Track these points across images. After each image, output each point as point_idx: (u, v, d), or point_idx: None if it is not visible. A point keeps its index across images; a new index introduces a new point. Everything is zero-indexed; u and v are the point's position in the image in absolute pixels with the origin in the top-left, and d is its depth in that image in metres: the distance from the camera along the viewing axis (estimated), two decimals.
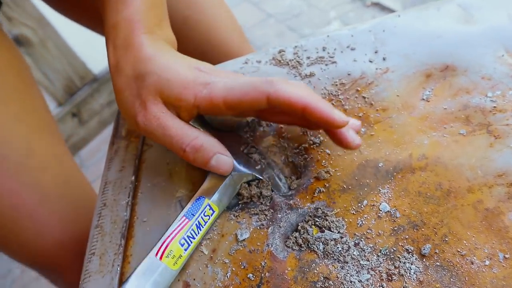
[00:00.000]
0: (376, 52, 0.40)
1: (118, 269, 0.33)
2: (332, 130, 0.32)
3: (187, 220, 0.31)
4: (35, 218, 0.49)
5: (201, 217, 0.31)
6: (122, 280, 0.33)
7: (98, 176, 1.59)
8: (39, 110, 0.53)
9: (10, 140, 0.47)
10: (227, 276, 0.30)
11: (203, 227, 0.31)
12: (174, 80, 0.31)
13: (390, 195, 0.31)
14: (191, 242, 0.31)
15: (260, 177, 0.34)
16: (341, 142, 0.32)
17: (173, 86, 0.31)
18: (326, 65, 0.41)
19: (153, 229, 0.35)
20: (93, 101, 1.56)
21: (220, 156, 0.32)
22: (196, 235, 0.31)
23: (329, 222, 0.31)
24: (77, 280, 0.56)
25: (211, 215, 0.32)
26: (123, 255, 0.34)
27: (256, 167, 0.35)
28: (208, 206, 0.32)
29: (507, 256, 0.26)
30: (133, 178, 0.39)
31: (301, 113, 0.29)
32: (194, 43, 0.60)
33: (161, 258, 0.29)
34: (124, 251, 0.34)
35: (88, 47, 1.47)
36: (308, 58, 0.42)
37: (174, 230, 0.30)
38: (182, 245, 0.30)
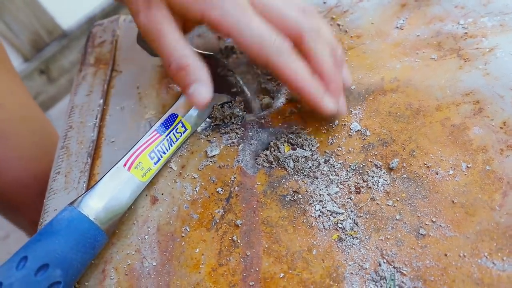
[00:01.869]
0: None
1: (84, 185, 0.32)
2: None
3: (158, 134, 0.30)
4: None
5: (173, 133, 0.31)
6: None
7: None
8: None
9: None
10: (195, 190, 0.30)
11: (174, 143, 0.31)
12: None
13: (361, 116, 0.31)
14: (161, 157, 0.30)
15: (233, 99, 0.34)
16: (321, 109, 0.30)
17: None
18: None
19: (121, 149, 0.34)
20: (63, 58, 1.50)
21: (199, 87, 0.29)
22: (167, 150, 0.30)
23: (302, 140, 0.31)
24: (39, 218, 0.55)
25: (183, 132, 0.31)
26: (89, 173, 0.33)
27: (232, 90, 0.34)
28: (181, 123, 0.31)
29: (469, 165, 0.27)
30: (101, 101, 0.37)
31: (293, 91, 0.30)
32: None
33: (129, 169, 0.29)
34: (90, 170, 0.33)
35: (57, 0, 1.40)
36: None
37: (145, 143, 0.30)
38: (152, 159, 0.29)
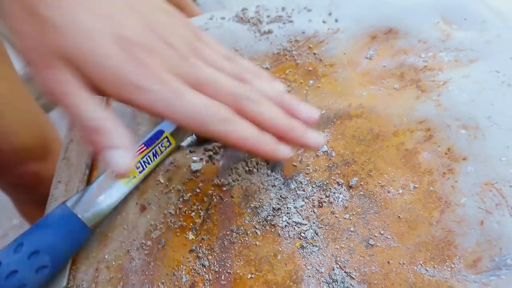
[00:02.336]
0: (330, 14, 0.44)
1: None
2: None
3: (145, 147, 0.34)
4: None
5: (159, 147, 0.35)
6: None
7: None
8: None
9: None
10: (179, 201, 0.34)
11: (158, 156, 0.35)
12: (95, 59, 0.23)
13: (328, 138, 0.35)
14: (146, 167, 0.34)
15: None
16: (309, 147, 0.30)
17: (96, 69, 0.23)
18: (284, 23, 0.44)
19: None
20: None
21: (116, 153, 0.24)
22: (152, 161, 0.35)
23: (273, 162, 0.35)
24: (20, 182, 0.64)
25: (168, 146, 0.35)
26: (86, 183, 0.37)
27: None
28: (166, 139, 0.35)
29: (416, 186, 0.31)
30: None
31: (249, 153, 0.30)
32: None
33: (116, 176, 0.33)
34: (87, 180, 0.37)
35: None
36: (268, 16, 0.45)
37: None
38: (138, 168, 0.34)
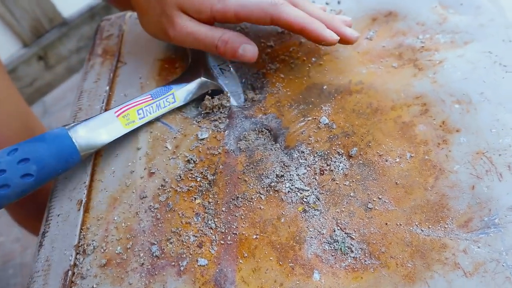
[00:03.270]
0: None
1: (91, 159, 0.37)
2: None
3: (151, 98, 0.37)
4: None
5: (163, 100, 0.37)
6: (95, 169, 0.37)
7: (62, 124, 1.58)
8: None
9: None
10: (186, 167, 0.35)
11: (161, 109, 0.37)
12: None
13: (329, 111, 0.37)
14: (146, 115, 0.37)
15: (225, 89, 0.39)
16: (344, 41, 0.37)
17: (191, 1, 0.36)
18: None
19: None
20: (61, 46, 1.53)
21: (246, 46, 0.36)
22: (154, 112, 0.37)
23: (277, 130, 0.36)
24: None
25: (172, 103, 0.38)
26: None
27: (225, 82, 0.40)
28: (172, 95, 0.38)
29: (412, 155, 0.33)
30: (107, 88, 0.43)
31: (298, 32, 0.35)
32: None
33: (118, 116, 0.35)
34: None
35: None
36: None
37: (137, 101, 0.37)
38: (139, 114, 0.36)
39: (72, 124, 0.34)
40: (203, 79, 0.39)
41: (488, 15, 0.40)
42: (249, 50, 0.37)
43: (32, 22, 1.42)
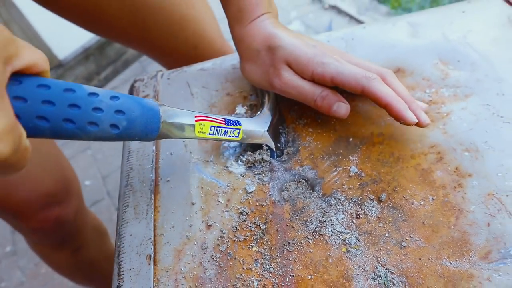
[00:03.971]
0: None
1: (152, 216, 0.42)
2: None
3: (224, 122, 0.41)
4: (7, 181, 0.56)
5: (231, 130, 0.42)
6: (155, 225, 0.42)
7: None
8: None
9: None
10: (240, 218, 0.41)
11: (226, 136, 0.41)
12: (299, 56, 0.42)
13: (357, 161, 0.43)
14: (214, 134, 0.41)
15: (273, 151, 0.45)
16: (418, 125, 0.40)
17: (298, 60, 0.42)
18: None
19: (175, 186, 0.44)
20: None
21: (340, 103, 0.43)
22: (220, 135, 0.41)
23: (313, 181, 0.42)
24: (40, 226, 0.65)
25: (235, 136, 0.42)
26: (153, 206, 0.43)
27: (278, 144, 0.46)
28: (238, 130, 0.42)
29: (434, 198, 0.39)
30: (153, 148, 0.48)
31: (384, 106, 0.40)
32: (188, 37, 0.69)
33: (196, 121, 0.39)
34: (154, 203, 0.43)
35: (54, 32, 1.48)
36: None
37: (215, 118, 0.40)
38: (211, 130, 0.40)
39: (163, 106, 0.36)
40: (265, 133, 0.44)
41: (483, 71, 0.47)
42: (342, 107, 0.43)
43: None
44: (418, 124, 0.40)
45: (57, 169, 0.64)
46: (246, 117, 0.46)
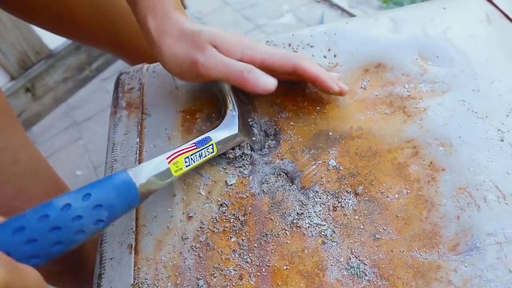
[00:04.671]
0: (329, 50, 0.53)
1: (134, 211, 0.43)
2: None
3: (195, 147, 0.41)
4: (10, 210, 0.55)
5: (205, 150, 0.42)
6: (138, 216, 0.42)
7: (51, 153, 1.59)
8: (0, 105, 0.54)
9: None
10: (220, 210, 0.42)
11: (202, 158, 0.42)
12: (225, 37, 0.42)
13: (336, 155, 0.44)
14: (191, 164, 0.41)
15: (253, 146, 0.45)
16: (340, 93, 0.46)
17: (224, 41, 0.42)
18: None
19: None
20: (48, 77, 1.56)
21: (268, 76, 0.42)
22: (196, 161, 0.41)
23: (293, 173, 0.43)
24: None
25: (211, 153, 0.43)
26: None
27: (253, 138, 0.46)
28: (211, 146, 0.43)
29: (408, 191, 0.40)
30: (137, 140, 0.48)
31: (312, 80, 0.44)
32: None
33: (169, 162, 0.39)
34: None
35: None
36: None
37: (185, 149, 0.41)
38: (186, 162, 0.40)
39: (133, 170, 0.36)
40: (238, 134, 0.44)
41: (460, 67, 0.48)
42: (269, 79, 0.42)
43: (19, 56, 1.44)
44: (340, 93, 0.45)
45: (56, 191, 0.61)
46: (217, 125, 0.46)
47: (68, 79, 1.61)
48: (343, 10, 1.76)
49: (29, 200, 0.55)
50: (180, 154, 0.40)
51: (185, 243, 0.40)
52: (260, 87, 0.41)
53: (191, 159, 0.41)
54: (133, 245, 0.40)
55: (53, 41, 1.53)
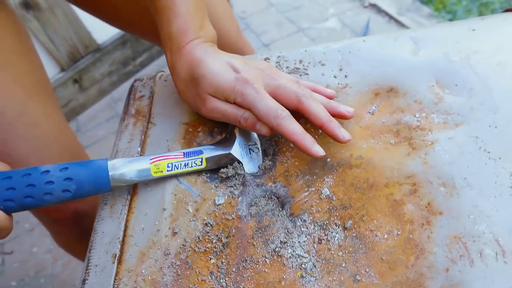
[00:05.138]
0: (340, 70, 0.51)
1: (124, 216, 0.44)
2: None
3: (183, 156, 0.43)
4: (24, 165, 0.59)
5: (192, 161, 0.44)
6: (127, 225, 0.43)
7: (93, 142, 1.68)
8: (34, 73, 0.62)
9: (7, 99, 0.56)
10: (204, 229, 0.41)
11: (188, 168, 0.44)
12: (220, 83, 0.43)
13: (331, 183, 0.42)
14: (173, 169, 0.43)
15: (244, 169, 0.45)
16: (337, 140, 0.43)
17: (220, 90, 0.44)
18: (300, 75, 0.51)
19: (152, 189, 0.45)
20: (95, 70, 1.64)
21: (261, 124, 0.43)
22: (181, 168, 0.44)
23: (284, 198, 0.42)
24: (60, 217, 0.68)
25: (198, 165, 0.44)
26: (128, 207, 0.44)
27: (249, 162, 0.46)
28: (201, 159, 0.44)
29: (399, 232, 0.37)
30: (139, 149, 0.49)
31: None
32: None
33: (151, 163, 0.43)
34: (129, 204, 0.45)
35: (94, 18, 1.54)
36: (287, 67, 0.52)
37: (171, 155, 0.43)
38: (168, 167, 0.43)
39: (113, 160, 0.42)
40: (231, 154, 0.45)
41: (479, 98, 0.44)
42: (263, 127, 0.43)
43: (69, 49, 1.53)
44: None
45: (73, 157, 0.68)
46: (215, 141, 0.48)
47: (113, 73, 1.69)
48: (391, 17, 1.69)
49: (41, 160, 0.61)
50: (165, 159, 0.43)
51: (166, 259, 0.40)
52: (258, 132, 0.44)
53: (175, 165, 0.43)
54: (117, 255, 0.41)
55: (101, 36, 1.60)
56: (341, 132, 0.42)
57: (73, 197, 0.40)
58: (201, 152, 0.44)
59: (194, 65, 0.44)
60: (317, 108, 0.42)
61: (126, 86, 1.78)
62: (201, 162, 0.44)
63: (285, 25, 1.85)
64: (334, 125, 0.42)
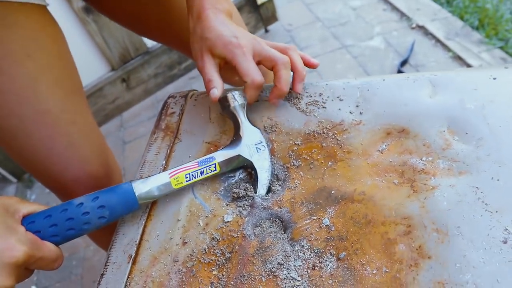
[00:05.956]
0: (357, 106, 0.53)
1: (143, 222, 0.49)
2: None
3: (198, 165, 0.48)
4: (62, 157, 0.67)
5: (206, 168, 0.48)
6: (144, 230, 0.49)
7: (134, 138, 1.78)
8: (72, 76, 0.69)
9: (51, 98, 0.63)
10: (211, 243, 0.46)
11: (203, 175, 0.48)
12: (220, 44, 0.52)
13: (332, 214, 0.45)
14: (191, 179, 0.48)
15: (255, 167, 0.49)
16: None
17: (218, 48, 0.52)
18: (318, 108, 0.54)
19: (171, 201, 0.50)
20: (142, 71, 1.74)
21: (215, 90, 0.52)
22: (198, 176, 0.48)
23: (287, 223, 0.45)
24: None
25: (213, 171, 0.49)
26: (148, 214, 0.50)
27: (258, 160, 0.50)
28: (214, 165, 0.49)
29: (387, 270, 0.39)
30: (163, 162, 0.54)
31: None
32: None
33: (170, 177, 0.47)
34: (149, 211, 0.50)
35: None
36: (308, 97, 0.56)
37: (187, 166, 0.48)
38: (186, 177, 0.48)
39: (136, 181, 0.47)
40: (241, 155, 0.50)
41: (487, 149, 0.45)
42: (214, 93, 0.53)
43: (121, 50, 1.64)
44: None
45: (102, 155, 0.74)
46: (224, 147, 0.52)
47: (159, 75, 1.79)
48: (438, 40, 1.66)
49: (76, 152, 0.68)
50: (182, 171, 0.48)
51: (174, 265, 0.45)
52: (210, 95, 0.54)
53: (192, 175, 0.48)
54: (133, 256, 0.46)
55: (151, 40, 1.70)
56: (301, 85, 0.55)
57: (107, 222, 0.46)
58: (213, 159, 0.49)
59: (205, 28, 0.53)
60: (286, 76, 0.52)
61: (170, 88, 1.87)
62: (215, 167, 0.49)
63: (329, 40, 1.86)
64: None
